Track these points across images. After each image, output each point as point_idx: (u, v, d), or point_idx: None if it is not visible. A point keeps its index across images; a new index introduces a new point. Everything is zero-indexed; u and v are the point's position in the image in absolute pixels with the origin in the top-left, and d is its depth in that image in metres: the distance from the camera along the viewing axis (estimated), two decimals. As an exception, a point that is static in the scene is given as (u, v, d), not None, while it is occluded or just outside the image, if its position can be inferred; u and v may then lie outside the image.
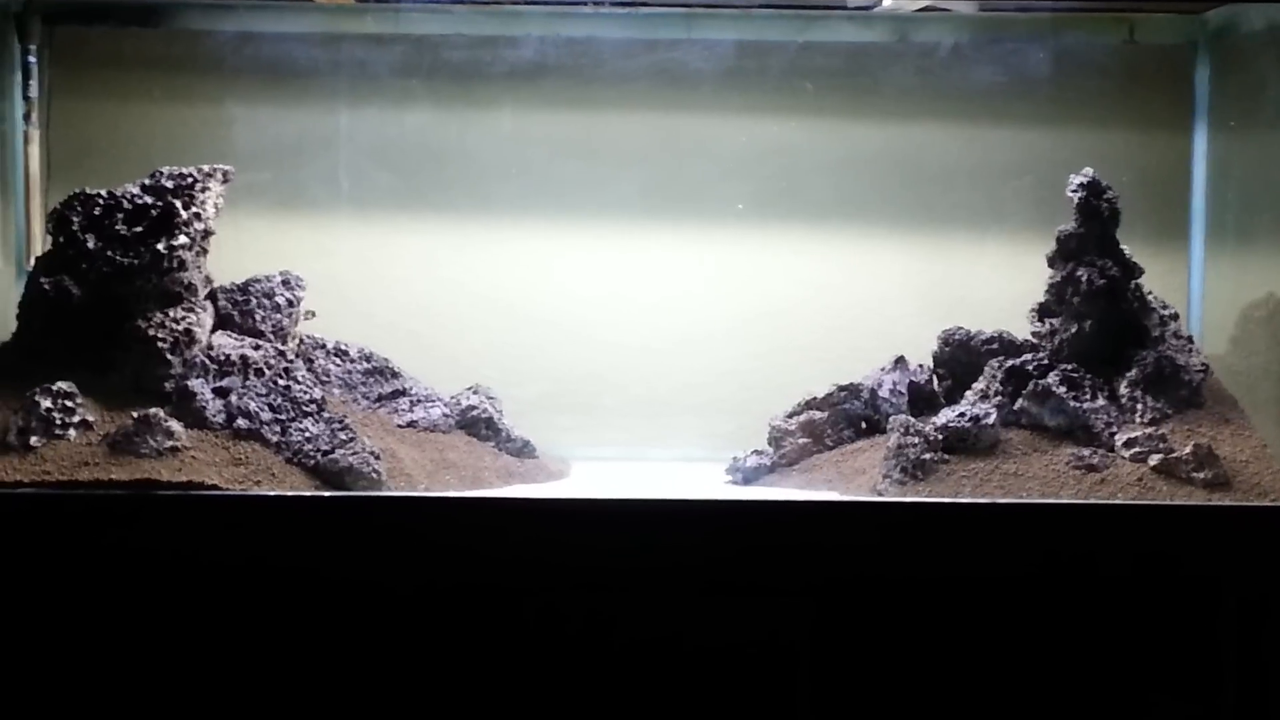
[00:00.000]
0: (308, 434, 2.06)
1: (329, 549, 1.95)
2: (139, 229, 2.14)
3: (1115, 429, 2.14)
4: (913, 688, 2.01)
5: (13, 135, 2.48)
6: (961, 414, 2.15)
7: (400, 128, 2.57)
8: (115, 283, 2.12)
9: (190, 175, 2.19)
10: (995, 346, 2.32)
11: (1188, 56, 2.57)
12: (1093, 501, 2.02)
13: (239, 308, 2.25)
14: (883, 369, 2.34)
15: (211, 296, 2.24)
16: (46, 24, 2.50)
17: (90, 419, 2.03)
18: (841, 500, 2.11)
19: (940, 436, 2.12)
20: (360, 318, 2.46)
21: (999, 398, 2.20)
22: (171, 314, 2.14)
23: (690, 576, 1.97)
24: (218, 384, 2.11)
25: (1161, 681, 2.01)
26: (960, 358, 2.34)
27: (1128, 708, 2.01)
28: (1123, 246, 2.28)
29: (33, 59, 2.49)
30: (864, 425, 2.32)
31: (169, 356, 2.11)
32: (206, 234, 2.20)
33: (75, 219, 2.14)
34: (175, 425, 2.02)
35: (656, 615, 2.00)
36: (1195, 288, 2.56)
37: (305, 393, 2.12)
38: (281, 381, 2.13)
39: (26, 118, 2.49)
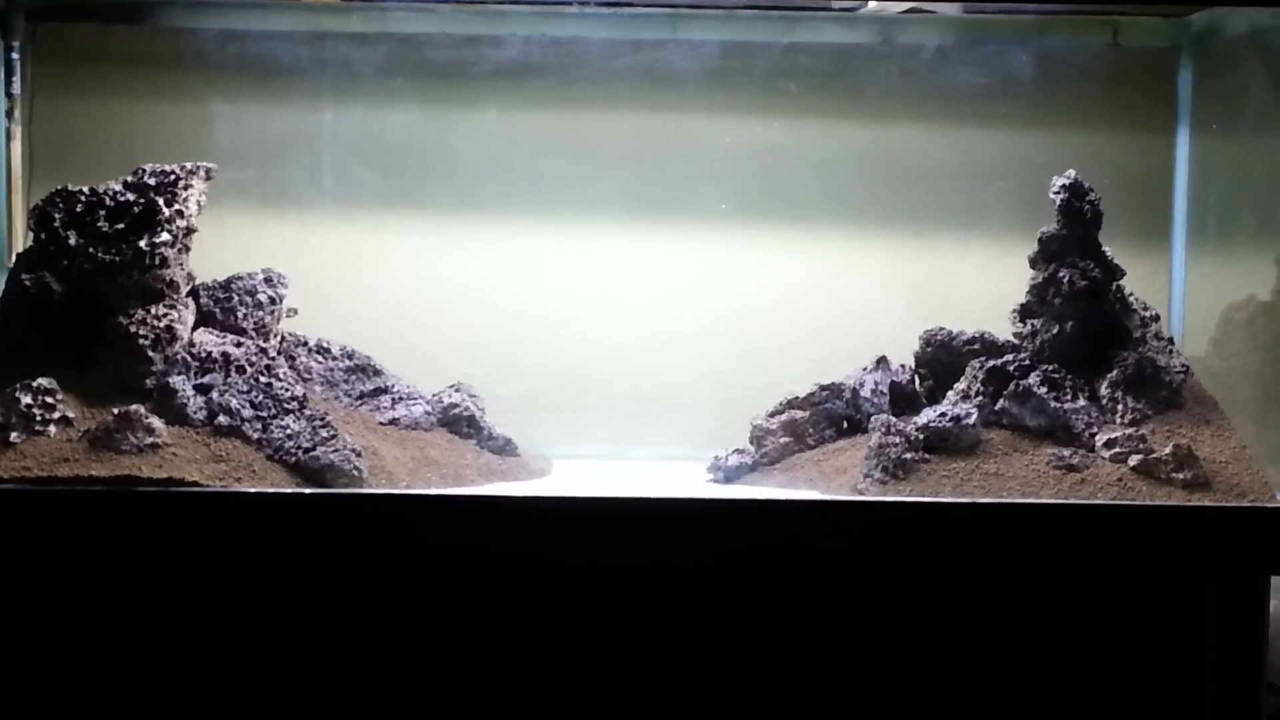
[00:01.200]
0: (289, 431, 2.06)
1: (310, 546, 1.95)
2: (121, 226, 2.14)
3: (1096, 429, 2.15)
4: (895, 685, 2.01)
5: (-5, 131, 2.49)
6: (943, 414, 2.16)
7: (384, 126, 2.57)
8: (97, 279, 2.12)
9: (173, 172, 2.19)
10: (977, 347, 2.33)
11: (1171, 59, 2.58)
12: (1073, 502, 2.02)
13: (221, 305, 2.25)
14: (865, 369, 2.35)
15: (193, 293, 2.24)
16: (30, 21, 2.50)
17: (71, 415, 2.03)
18: (822, 499, 2.11)
19: (921, 436, 2.13)
20: (343, 315, 2.46)
21: (980, 398, 2.21)
22: (153, 311, 2.14)
23: (671, 574, 1.97)
24: (199, 381, 2.11)
25: (1141, 681, 2.01)
26: (942, 358, 2.34)
27: (1108, 706, 2.02)
28: (1105, 248, 2.29)
29: (15, 55, 2.48)
30: (845, 425, 2.32)
31: (150, 353, 2.10)
32: (189, 231, 2.20)
33: (57, 215, 2.14)
34: (156, 422, 2.01)
35: (638, 613, 2.00)
36: (1176, 289, 2.57)
37: (287, 390, 2.12)
38: (263, 379, 2.13)
39: (9, 114, 2.49)
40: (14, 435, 1.99)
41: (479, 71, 2.55)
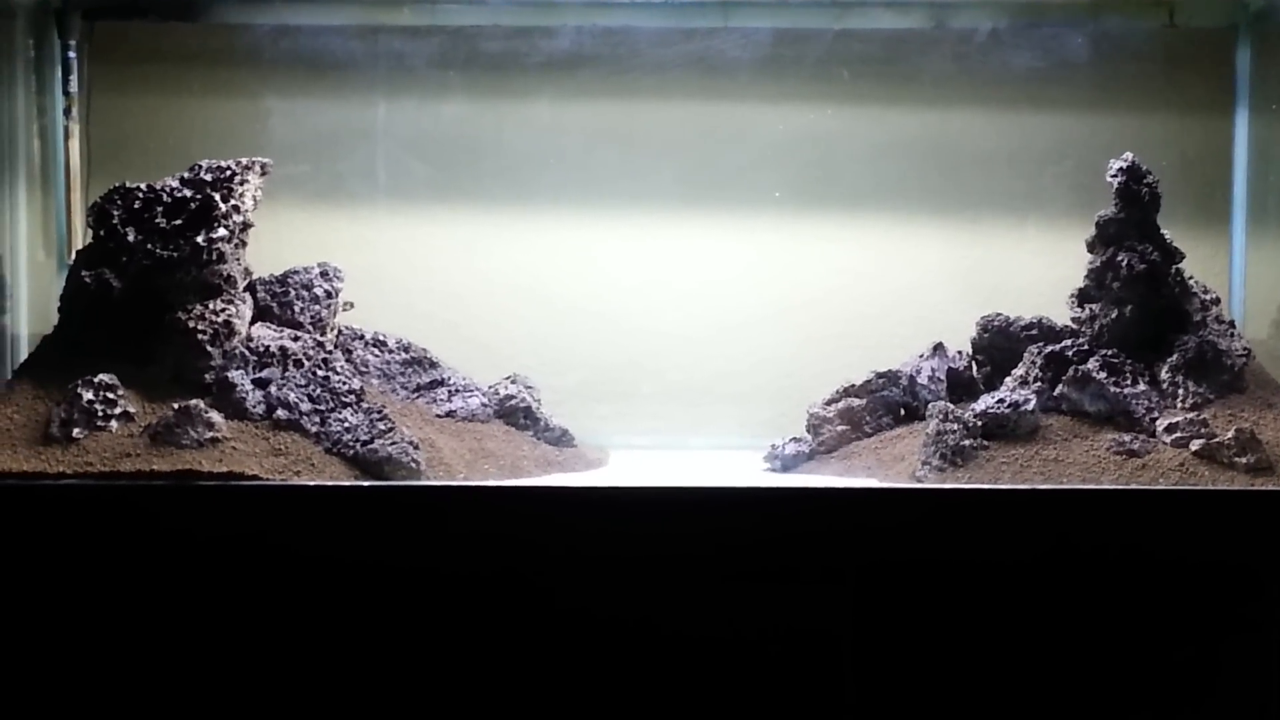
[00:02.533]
0: (347, 424, 2.07)
1: (369, 539, 1.95)
2: (178, 222, 2.15)
3: (1156, 414, 2.13)
4: (953, 672, 2.00)
5: (53, 130, 2.51)
6: (1001, 400, 2.14)
7: (437, 119, 2.58)
8: (155, 275, 2.14)
9: (229, 168, 2.20)
10: (1035, 332, 2.31)
11: (1229, 39, 2.55)
12: (1134, 487, 2.01)
13: (278, 299, 2.26)
14: (921, 356, 2.34)
15: (250, 288, 2.25)
16: (86, 19, 2.52)
17: (131, 410, 2.05)
18: (880, 487, 2.10)
19: (979, 423, 2.12)
20: (398, 308, 2.47)
21: (1038, 384, 2.19)
22: (211, 306, 2.15)
23: (730, 564, 1.97)
24: (257, 375, 2.12)
25: (1205, 668, 1.99)
26: (999, 344, 2.33)
27: (1171, 694, 2.00)
28: (1163, 231, 2.27)
29: (73, 54, 2.51)
30: (903, 412, 2.32)
31: (209, 348, 2.12)
32: (245, 226, 2.21)
33: (116, 212, 2.16)
34: (215, 416, 2.03)
35: (696, 603, 1.99)
36: (1237, 272, 2.54)
37: (344, 383, 2.13)
38: (320, 372, 2.14)
39: (67, 113, 2.52)
40: (76, 430, 2.01)
41: (531, 63, 2.56)
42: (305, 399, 2.10)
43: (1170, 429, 2.10)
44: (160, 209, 2.16)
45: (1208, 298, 2.30)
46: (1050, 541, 1.96)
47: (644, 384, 2.56)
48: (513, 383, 2.36)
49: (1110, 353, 2.19)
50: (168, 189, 2.17)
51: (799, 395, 2.35)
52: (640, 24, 2.54)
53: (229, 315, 2.15)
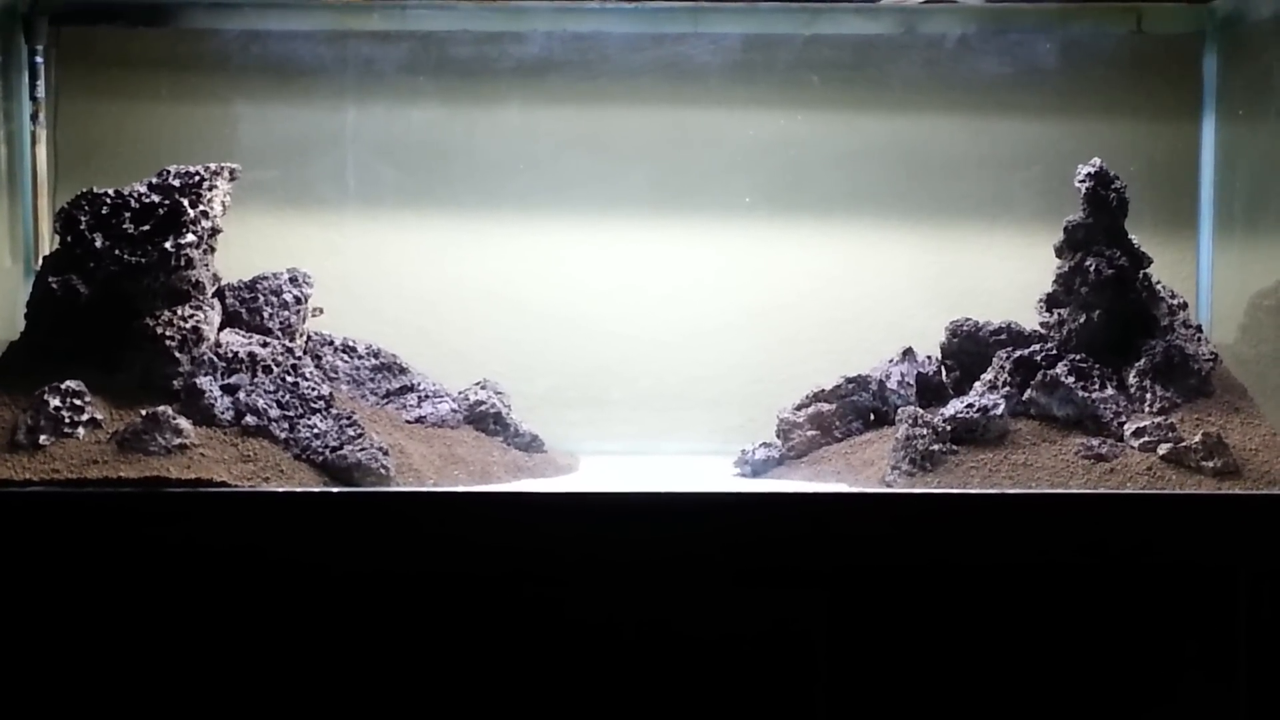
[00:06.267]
0: (316, 430, 2.06)
1: (338, 545, 1.95)
2: (146, 228, 2.14)
3: (1124, 418, 2.14)
4: (924, 676, 2.00)
5: (20, 135, 2.49)
6: (970, 405, 2.15)
7: (407, 124, 2.58)
8: (123, 281, 2.13)
9: (197, 174, 2.19)
10: (1003, 337, 2.32)
11: (1196, 46, 2.56)
12: (1102, 491, 2.01)
13: (247, 305, 2.25)
14: (891, 360, 2.35)
15: (219, 294, 2.24)
16: (53, 24, 2.50)
17: (99, 417, 2.04)
18: (850, 492, 2.11)
19: (948, 427, 2.12)
20: (368, 314, 2.47)
21: (1007, 388, 2.20)
22: (179, 312, 2.14)
23: (699, 569, 1.97)
24: (226, 381, 2.11)
25: (1172, 671, 2.00)
26: (968, 349, 2.34)
27: (1138, 697, 2.01)
28: (1131, 236, 2.28)
29: (40, 59, 2.49)
30: (872, 417, 2.32)
31: (177, 354, 2.11)
32: (214, 232, 2.21)
33: (83, 218, 2.15)
34: (184, 423, 2.02)
35: (666, 608, 2.00)
36: (1204, 277, 2.56)
37: (313, 389, 2.12)
38: (289, 378, 2.13)
39: (34, 118, 2.50)
40: (43, 438, 2.00)
41: (501, 68, 2.55)
42: (274, 405, 2.09)
43: (1138, 433, 2.11)
44: (128, 214, 2.15)
45: (1175, 302, 2.32)
46: (1018, 546, 1.96)
47: (614, 389, 2.56)
48: (482, 388, 2.36)
49: (1078, 357, 2.20)
50: (135, 194, 2.16)
51: (769, 400, 2.35)
52: (610, 29, 2.54)
53: (197, 321, 2.14)
